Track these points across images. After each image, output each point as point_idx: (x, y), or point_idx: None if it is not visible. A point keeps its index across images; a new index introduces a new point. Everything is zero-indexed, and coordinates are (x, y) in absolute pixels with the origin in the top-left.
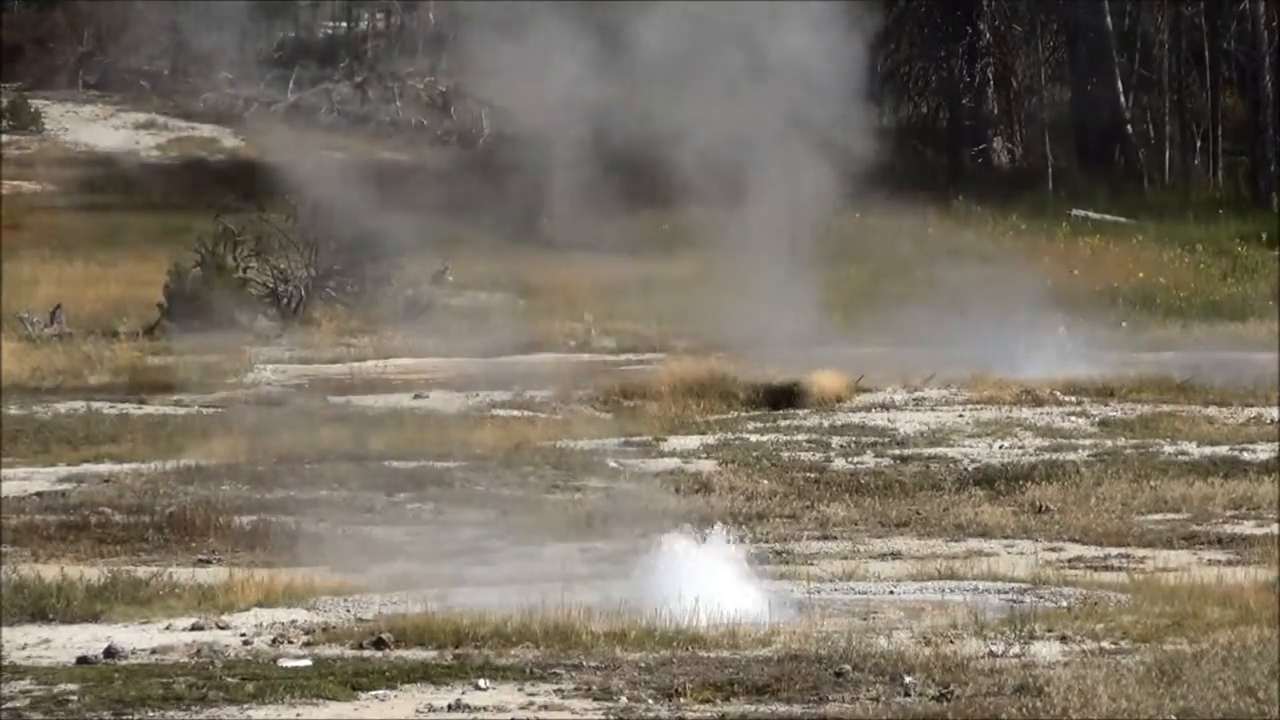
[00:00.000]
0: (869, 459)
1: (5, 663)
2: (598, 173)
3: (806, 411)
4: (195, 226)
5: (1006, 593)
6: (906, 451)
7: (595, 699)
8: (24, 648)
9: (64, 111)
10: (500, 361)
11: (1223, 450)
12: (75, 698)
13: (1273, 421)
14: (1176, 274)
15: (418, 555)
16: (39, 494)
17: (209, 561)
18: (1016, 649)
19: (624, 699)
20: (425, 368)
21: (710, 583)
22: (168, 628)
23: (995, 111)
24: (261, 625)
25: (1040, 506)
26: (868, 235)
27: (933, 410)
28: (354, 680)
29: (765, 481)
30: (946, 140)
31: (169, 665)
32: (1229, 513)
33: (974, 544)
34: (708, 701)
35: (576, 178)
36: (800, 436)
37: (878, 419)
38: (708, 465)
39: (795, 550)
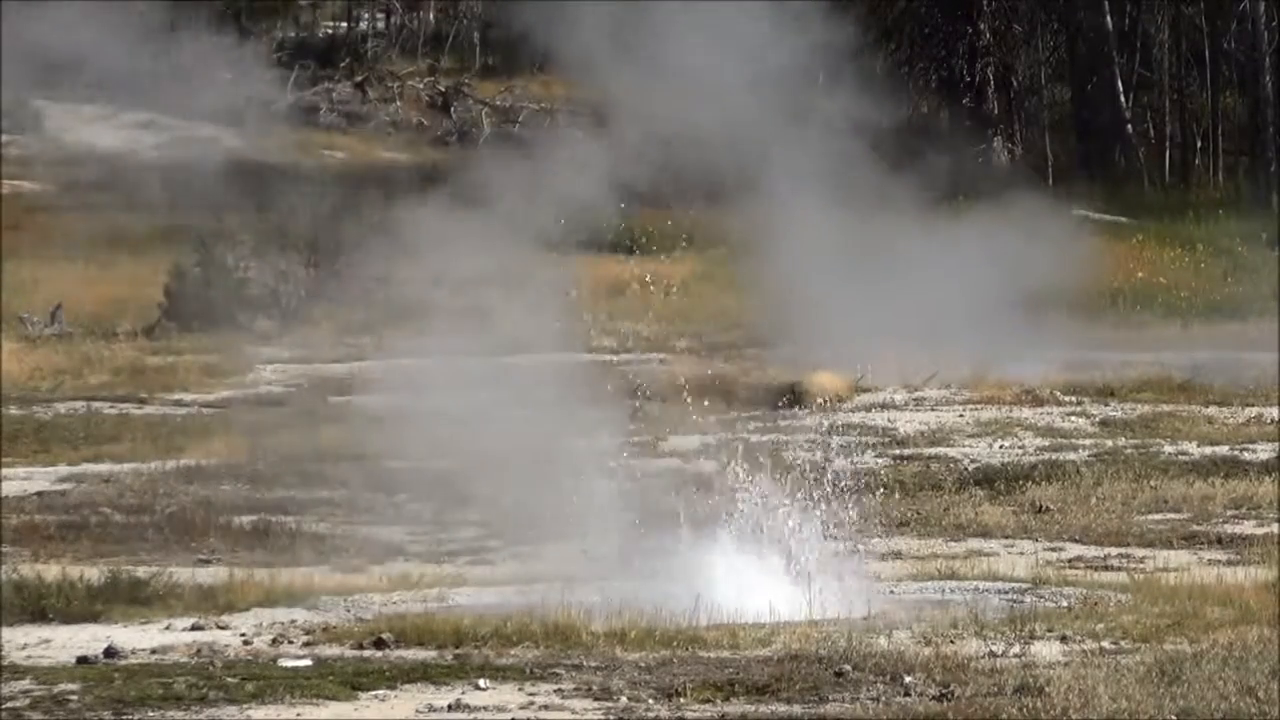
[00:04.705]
0: (869, 459)
1: (5, 663)
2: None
3: (806, 411)
4: (195, 226)
5: (1006, 593)
6: (906, 451)
7: (595, 699)
8: (24, 648)
9: (64, 111)
10: (500, 361)
11: (1223, 450)
12: (75, 698)
13: (1273, 421)
14: (1176, 274)
15: (418, 555)
16: (39, 494)
17: (209, 561)
18: (1016, 649)
19: (624, 699)
20: (425, 368)
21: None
22: (168, 628)
23: (995, 111)
24: (261, 625)
25: (1040, 506)
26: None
27: (933, 410)
28: (354, 680)
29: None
30: (946, 140)
31: (169, 665)
32: (1229, 513)
33: (974, 544)
34: (708, 701)
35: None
36: (800, 436)
37: (878, 419)
38: (708, 465)
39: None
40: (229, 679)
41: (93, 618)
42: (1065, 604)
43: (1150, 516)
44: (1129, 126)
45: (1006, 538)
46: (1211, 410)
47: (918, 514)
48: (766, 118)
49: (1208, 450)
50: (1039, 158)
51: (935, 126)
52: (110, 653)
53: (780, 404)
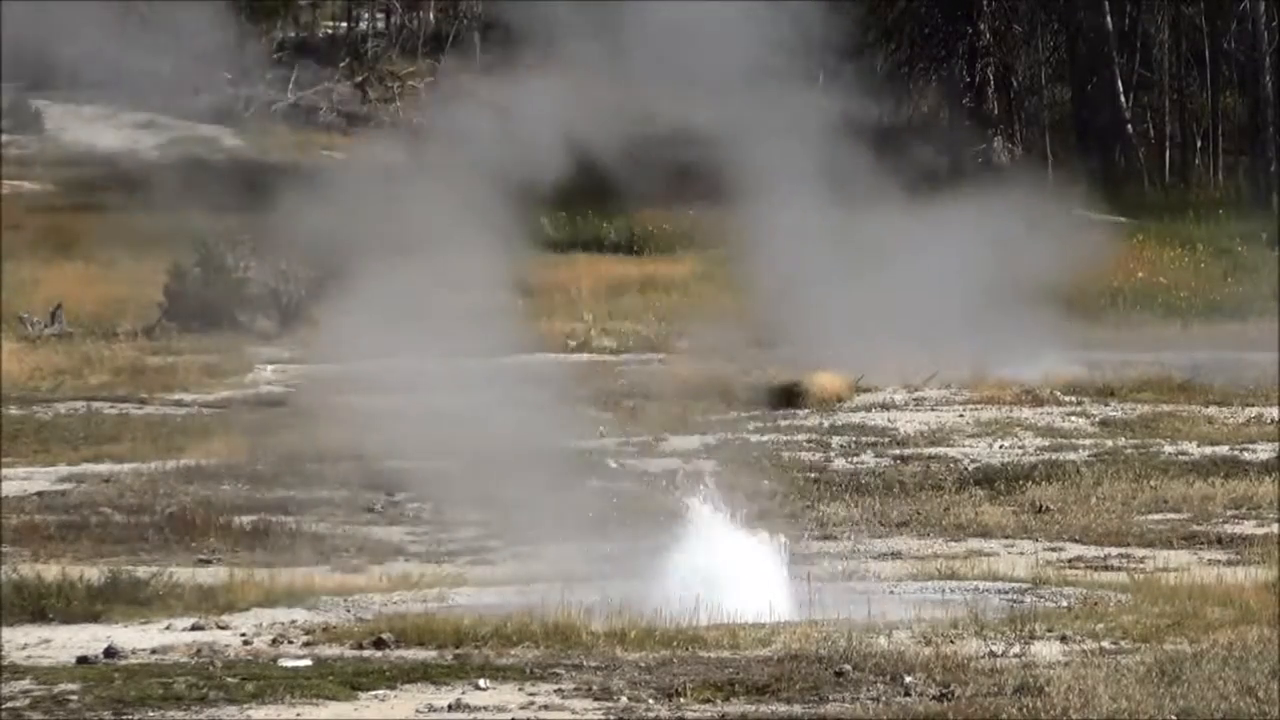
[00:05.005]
0: (869, 459)
1: (5, 663)
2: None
3: (806, 411)
4: (195, 226)
5: (1006, 593)
6: (906, 451)
7: (595, 699)
8: (24, 648)
9: (64, 111)
10: (500, 361)
11: (1223, 450)
12: (75, 698)
13: (1273, 421)
14: (1176, 274)
15: (418, 555)
16: (39, 494)
17: (209, 561)
18: (1016, 649)
19: (624, 699)
20: (424, 368)
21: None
22: (168, 628)
23: (995, 111)
24: (261, 625)
25: (1040, 506)
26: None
27: (933, 410)
28: (354, 680)
29: (765, 481)
30: (946, 140)
31: (169, 665)
32: (1229, 513)
33: (974, 544)
34: (708, 701)
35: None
36: (800, 436)
37: (878, 419)
38: (708, 465)
39: (795, 550)
40: (229, 679)
41: (93, 618)
42: (1065, 604)
43: (1150, 516)
44: (1129, 126)
45: (1006, 538)
46: (1211, 410)
47: (918, 514)
48: (763, 115)
49: (1208, 450)
50: (1039, 158)
51: (935, 126)
52: (110, 653)
53: (780, 404)
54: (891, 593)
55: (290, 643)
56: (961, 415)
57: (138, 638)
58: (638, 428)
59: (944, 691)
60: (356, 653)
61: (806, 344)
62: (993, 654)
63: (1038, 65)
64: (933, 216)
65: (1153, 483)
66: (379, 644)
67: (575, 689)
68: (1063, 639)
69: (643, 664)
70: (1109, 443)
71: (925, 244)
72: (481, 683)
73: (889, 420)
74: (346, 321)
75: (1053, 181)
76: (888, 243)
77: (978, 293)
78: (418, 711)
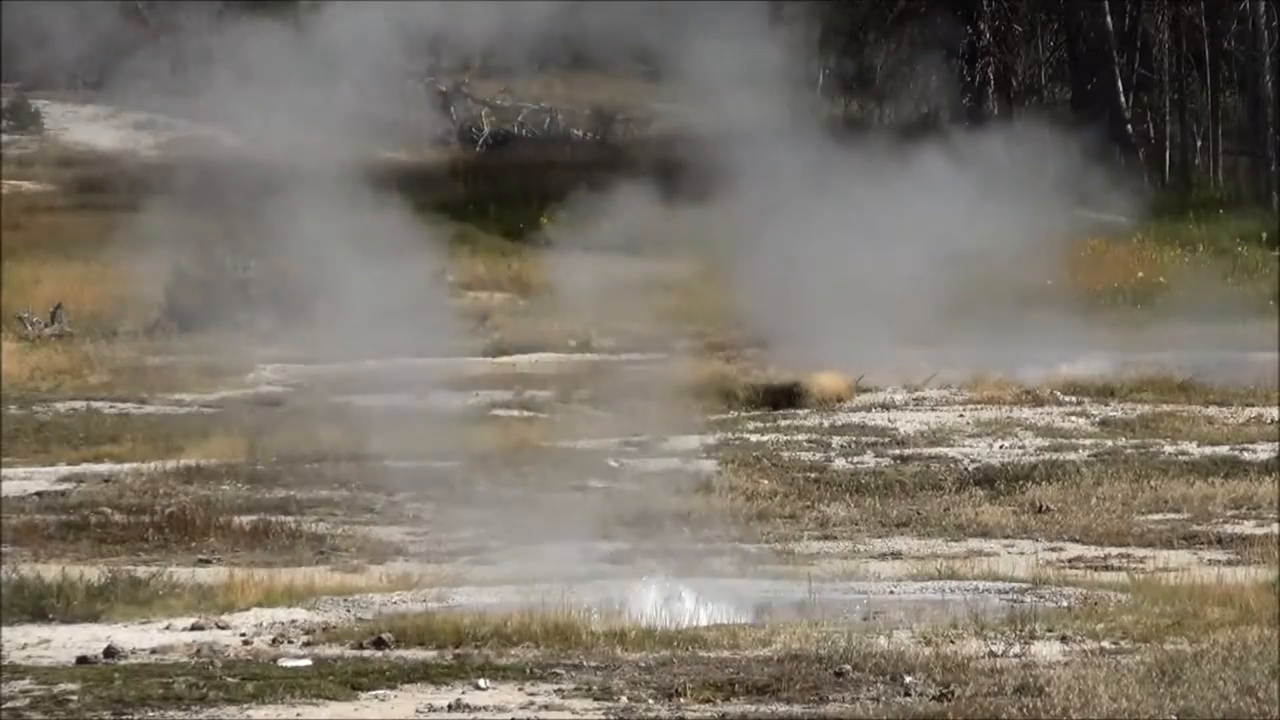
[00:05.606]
0: (869, 459)
1: (5, 663)
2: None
3: (806, 411)
4: (195, 226)
5: (1006, 593)
6: (906, 451)
7: (595, 699)
8: (24, 648)
9: (64, 111)
10: (500, 361)
11: (1223, 450)
12: (75, 698)
13: (1273, 421)
14: (1176, 274)
15: (418, 555)
16: (39, 494)
17: (209, 561)
18: (1016, 649)
19: (624, 699)
20: (426, 368)
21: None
22: (168, 628)
23: (995, 111)
24: (261, 625)
25: (1040, 506)
26: None
27: (933, 410)
28: (354, 680)
29: (765, 481)
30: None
31: (169, 665)
32: (1229, 513)
33: (974, 544)
34: (708, 701)
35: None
36: (800, 436)
37: (878, 419)
38: (708, 465)
39: (795, 550)
40: (229, 679)
41: (93, 618)
42: (1065, 604)
43: (1150, 516)
44: (1129, 126)
45: (1006, 538)
46: (1211, 410)
47: (918, 514)
48: (762, 115)
49: (1208, 450)
50: (1038, 157)
51: (935, 125)
52: (110, 653)
53: (780, 404)
54: (891, 593)
55: (290, 643)
56: (961, 415)
57: (138, 638)
58: (638, 428)
59: (944, 691)
60: (356, 653)
61: (806, 343)
62: (993, 654)
63: (1038, 65)
64: (930, 213)
65: (1153, 483)
66: (379, 644)
67: (575, 689)
68: (1063, 639)
69: (643, 664)
70: (1109, 443)
71: (923, 240)
72: (481, 683)
73: (889, 420)
74: None
75: (1052, 181)
76: (885, 240)
77: (976, 289)
78: (418, 711)
